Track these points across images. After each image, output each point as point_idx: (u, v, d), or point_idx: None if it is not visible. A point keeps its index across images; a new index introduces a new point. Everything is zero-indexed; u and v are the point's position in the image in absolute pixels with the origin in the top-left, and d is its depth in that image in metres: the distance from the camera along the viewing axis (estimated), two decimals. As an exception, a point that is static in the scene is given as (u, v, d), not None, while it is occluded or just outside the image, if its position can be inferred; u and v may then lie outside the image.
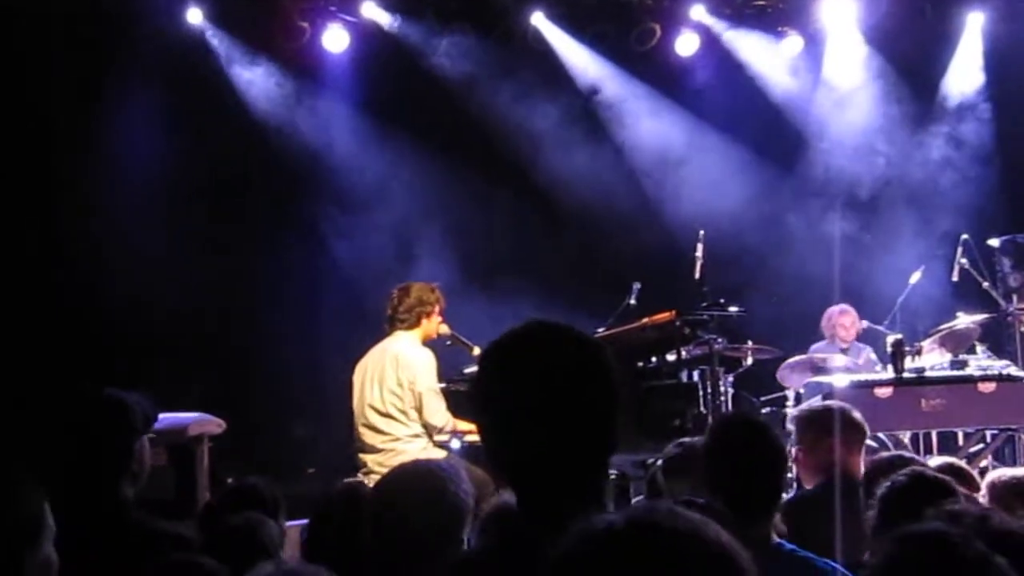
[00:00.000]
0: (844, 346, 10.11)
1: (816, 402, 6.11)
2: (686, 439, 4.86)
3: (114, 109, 9.62)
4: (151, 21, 10.10)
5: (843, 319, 10.16)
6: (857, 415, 5.28)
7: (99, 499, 3.49)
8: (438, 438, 7.50)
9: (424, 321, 7.63)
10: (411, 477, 3.44)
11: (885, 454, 4.53)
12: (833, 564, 3.26)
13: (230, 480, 6.50)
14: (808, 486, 5.22)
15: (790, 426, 5.99)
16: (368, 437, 7.49)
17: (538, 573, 1.56)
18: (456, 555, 2.95)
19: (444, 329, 7.87)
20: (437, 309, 7.70)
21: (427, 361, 7.51)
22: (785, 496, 5.60)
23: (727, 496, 3.51)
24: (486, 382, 2.33)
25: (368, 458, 7.44)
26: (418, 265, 10.27)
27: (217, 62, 10.74)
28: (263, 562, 3.16)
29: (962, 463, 5.21)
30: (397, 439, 7.41)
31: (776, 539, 3.55)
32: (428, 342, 7.72)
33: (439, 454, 7.26)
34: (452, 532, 3.29)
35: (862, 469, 4.93)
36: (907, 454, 4.58)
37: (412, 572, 3.15)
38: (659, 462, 5.92)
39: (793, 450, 5.23)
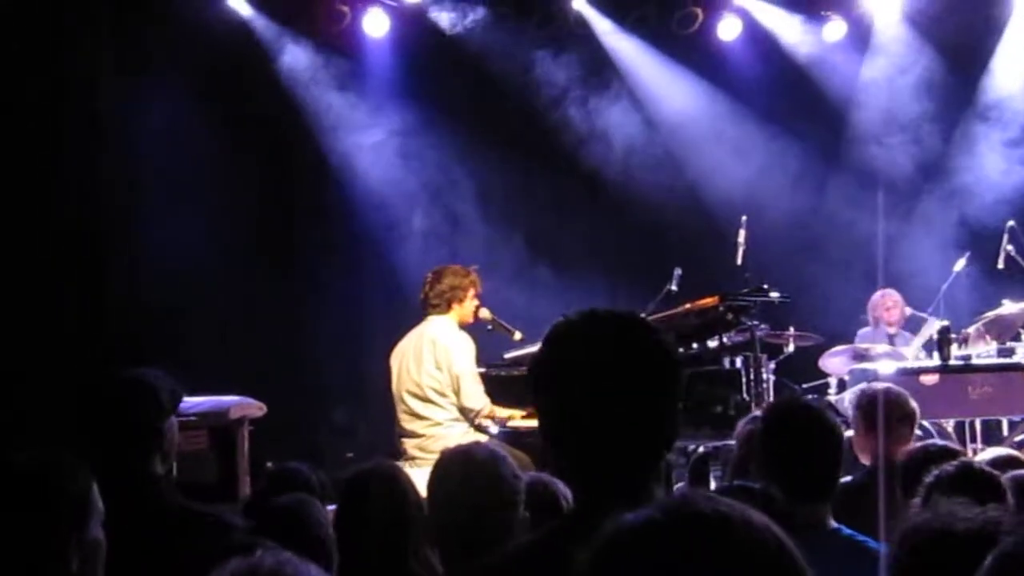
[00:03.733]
0: (891, 331, 10.01)
1: (871, 386, 6.03)
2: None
3: (154, 96, 9.63)
4: (189, 4, 10.12)
5: (885, 302, 10.07)
6: (908, 403, 5.23)
7: (130, 479, 3.48)
8: (477, 422, 7.48)
9: (456, 305, 7.55)
10: (460, 467, 3.42)
11: (924, 443, 4.47)
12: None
13: (269, 464, 6.51)
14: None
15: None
16: (408, 423, 7.46)
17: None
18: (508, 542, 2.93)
19: (485, 314, 7.82)
20: (472, 292, 7.61)
21: (464, 344, 7.46)
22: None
23: (784, 481, 3.49)
24: (549, 362, 2.29)
25: (409, 443, 7.42)
26: (458, 250, 10.26)
27: (258, 47, 10.74)
28: (310, 543, 3.15)
29: (1019, 453, 5.15)
30: (438, 424, 7.38)
31: (833, 523, 3.53)
32: (468, 326, 7.67)
33: (480, 439, 7.24)
34: (506, 516, 3.26)
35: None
36: (952, 445, 4.52)
37: (467, 556, 3.13)
38: (701, 449, 5.90)
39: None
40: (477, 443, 3.36)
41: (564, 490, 3.71)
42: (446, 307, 7.53)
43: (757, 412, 5.25)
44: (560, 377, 2.25)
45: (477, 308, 7.71)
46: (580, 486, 2.30)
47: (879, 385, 5.80)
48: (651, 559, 1.40)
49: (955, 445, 4.63)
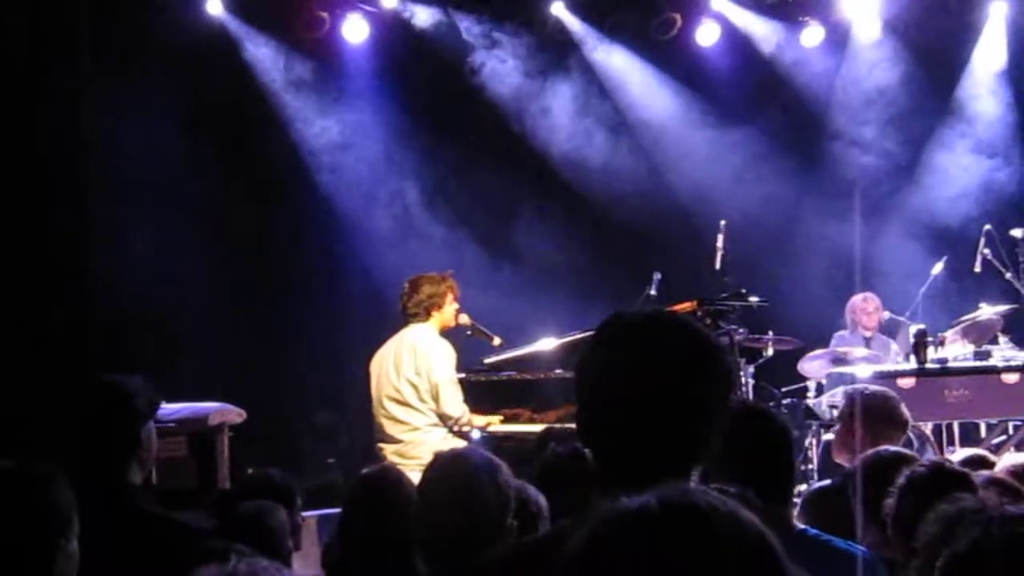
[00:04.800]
0: (867, 335, 10.06)
1: (857, 387, 6.03)
2: None
3: (135, 104, 9.61)
4: (170, 11, 10.10)
5: (866, 306, 10.11)
6: (895, 407, 5.23)
7: (106, 487, 3.49)
8: (456, 428, 7.49)
9: (436, 312, 7.58)
10: (447, 472, 3.43)
11: (876, 450, 4.47)
12: (855, 546, 3.25)
13: (250, 470, 6.52)
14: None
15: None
16: (387, 427, 7.49)
17: None
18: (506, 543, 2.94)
19: (465, 319, 7.85)
20: (450, 297, 7.65)
21: (444, 351, 7.49)
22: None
23: (743, 484, 3.50)
24: (594, 360, 2.24)
25: (388, 449, 7.44)
26: (439, 255, 10.27)
27: (236, 51, 10.73)
28: (268, 549, 3.19)
29: (988, 454, 5.20)
30: (416, 429, 7.40)
31: (799, 525, 3.54)
32: (448, 331, 7.70)
33: (459, 444, 7.26)
34: (492, 523, 3.28)
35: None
36: (906, 452, 4.53)
37: (456, 562, 3.15)
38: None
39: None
40: (472, 448, 3.36)
41: (536, 496, 3.73)
42: (425, 315, 7.58)
43: None
44: (610, 378, 2.19)
45: (457, 313, 7.74)
46: (603, 488, 2.22)
47: (872, 388, 5.79)
48: (643, 551, 1.44)
49: (910, 452, 4.62)
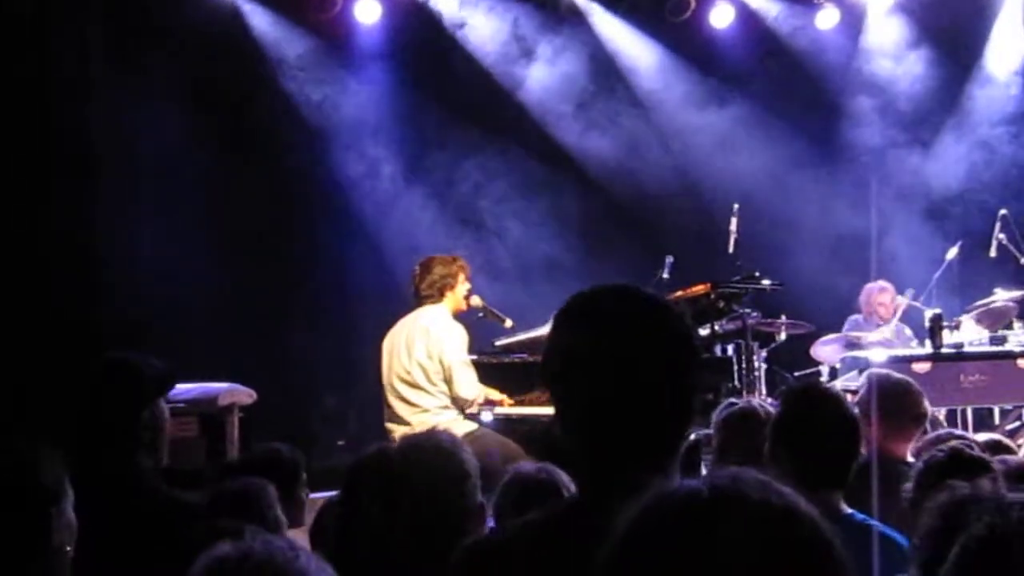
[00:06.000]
0: (881, 324, 9.99)
1: (879, 372, 5.93)
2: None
3: (146, 95, 9.59)
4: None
5: (882, 296, 10.02)
6: (915, 399, 5.12)
7: (110, 465, 3.46)
8: (469, 411, 7.47)
9: (449, 293, 7.55)
10: (410, 446, 3.38)
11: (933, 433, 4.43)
12: (896, 534, 3.25)
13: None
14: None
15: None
16: (397, 408, 7.46)
17: (599, 541, 1.47)
18: (483, 520, 2.88)
19: (476, 301, 7.82)
20: (462, 277, 7.61)
21: (457, 333, 7.46)
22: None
23: (799, 467, 3.49)
24: (560, 340, 2.18)
25: (397, 430, 7.40)
26: (450, 238, 10.24)
27: (246, 33, 10.69)
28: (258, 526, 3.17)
29: (1006, 439, 5.14)
30: (426, 411, 7.37)
31: (846, 508, 3.54)
32: (460, 314, 7.67)
33: (469, 426, 7.23)
34: (454, 494, 3.21)
35: (909, 448, 4.85)
36: (956, 431, 4.50)
37: (432, 540, 3.09)
38: (692, 436, 5.89)
39: None
40: (429, 432, 3.27)
41: (566, 480, 3.68)
42: (439, 296, 7.54)
43: (733, 400, 5.20)
44: (569, 359, 2.14)
45: (469, 294, 7.71)
46: (585, 474, 2.21)
47: (893, 375, 5.66)
48: (690, 540, 1.39)
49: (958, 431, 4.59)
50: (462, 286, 7.61)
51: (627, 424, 2.09)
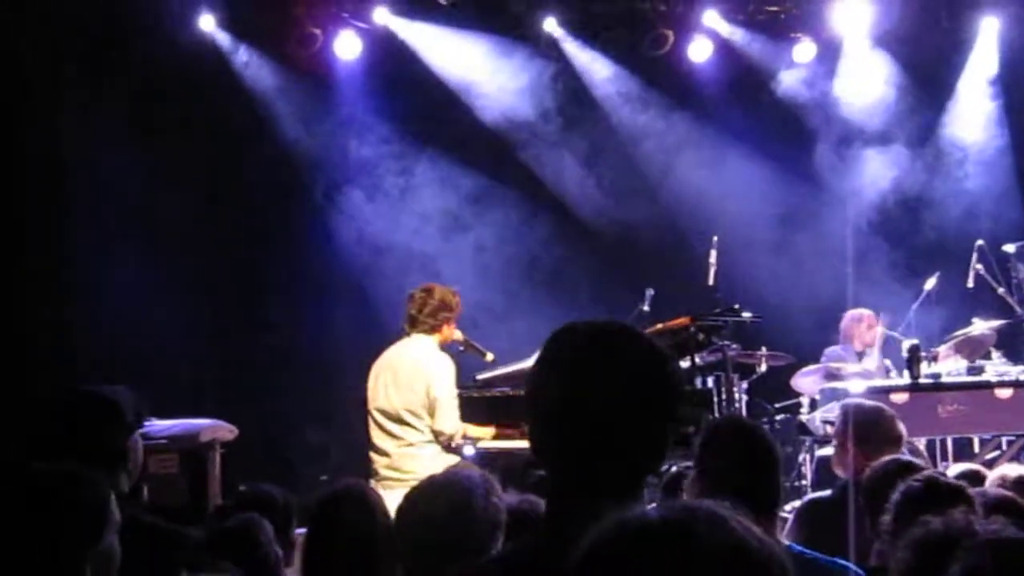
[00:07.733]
0: (860, 351, 10.03)
1: (851, 402, 5.98)
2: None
3: (122, 114, 9.60)
4: (162, 28, 10.09)
5: (861, 325, 10.08)
6: (889, 423, 5.20)
7: None
8: (454, 444, 7.46)
9: (444, 327, 7.55)
10: (439, 489, 3.41)
11: (885, 459, 4.45)
12: (843, 563, 3.23)
13: (242, 487, 6.48)
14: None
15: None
16: (381, 440, 7.42)
17: (558, 571, 1.51)
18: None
19: (458, 335, 7.79)
20: (456, 314, 7.62)
21: (447, 367, 7.41)
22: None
23: (728, 498, 3.46)
24: (544, 372, 2.21)
25: (380, 462, 7.39)
26: (431, 270, 10.25)
27: (229, 68, 10.73)
28: (255, 561, 3.19)
29: (982, 468, 5.18)
30: (410, 444, 7.35)
31: (785, 542, 3.51)
32: (442, 347, 7.66)
33: (452, 459, 7.21)
34: (479, 545, 3.26)
35: None
36: (908, 458, 4.51)
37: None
38: (673, 468, 5.91)
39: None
40: (456, 472, 3.33)
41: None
42: (437, 326, 7.46)
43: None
44: (552, 385, 2.18)
45: (453, 329, 7.71)
46: (551, 506, 2.24)
47: (867, 403, 5.76)
48: (641, 566, 1.41)
49: (920, 461, 4.62)
50: (454, 320, 7.59)
51: (591, 458, 2.12)
